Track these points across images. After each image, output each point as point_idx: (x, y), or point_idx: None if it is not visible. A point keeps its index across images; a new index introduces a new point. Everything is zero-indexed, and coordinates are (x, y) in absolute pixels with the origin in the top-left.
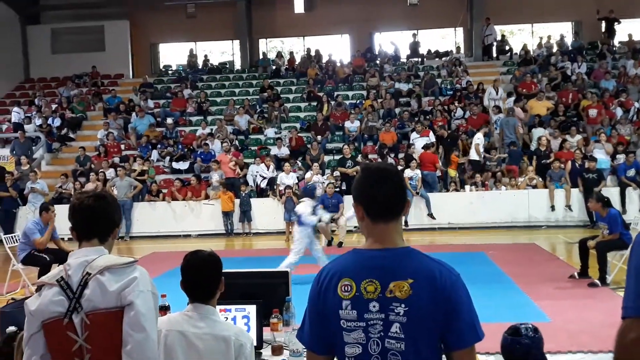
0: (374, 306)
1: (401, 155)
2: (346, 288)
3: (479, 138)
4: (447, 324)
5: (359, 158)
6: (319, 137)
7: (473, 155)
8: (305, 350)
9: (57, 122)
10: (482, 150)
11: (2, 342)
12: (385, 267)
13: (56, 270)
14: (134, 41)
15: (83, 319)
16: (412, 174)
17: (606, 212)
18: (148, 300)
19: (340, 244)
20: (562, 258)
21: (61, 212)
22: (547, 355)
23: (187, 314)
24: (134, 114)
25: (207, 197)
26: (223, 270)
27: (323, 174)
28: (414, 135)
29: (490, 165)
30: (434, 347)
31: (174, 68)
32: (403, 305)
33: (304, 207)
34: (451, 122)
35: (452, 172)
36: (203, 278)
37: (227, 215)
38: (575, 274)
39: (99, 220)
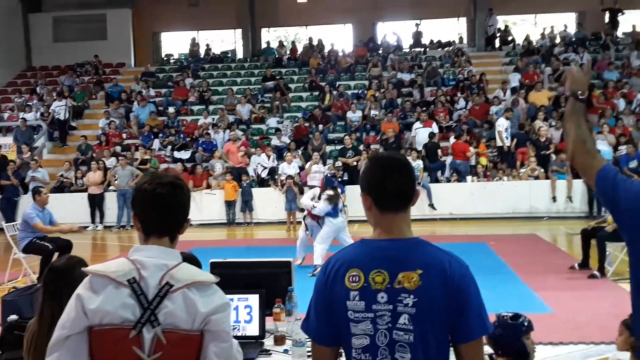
0: (382, 297)
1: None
2: (354, 278)
3: (500, 124)
4: (456, 316)
5: (361, 148)
6: (320, 127)
7: (498, 142)
8: (308, 340)
9: (61, 110)
10: (505, 135)
11: (4, 330)
12: (394, 258)
13: (122, 265)
14: (136, 30)
15: (157, 335)
16: (413, 164)
17: None
18: (231, 328)
19: None
20: (564, 249)
21: (64, 201)
22: (549, 347)
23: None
24: (135, 102)
25: (208, 186)
26: (226, 260)
27: (324, 164)
28: (416, 125)
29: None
30: (443, 338)
31: (175, 57)
32: (412, 296)
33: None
34: (453, 112)
35: (484, 161)
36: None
37: (229, 204)
38: (576, 265)
39: (175, 213)
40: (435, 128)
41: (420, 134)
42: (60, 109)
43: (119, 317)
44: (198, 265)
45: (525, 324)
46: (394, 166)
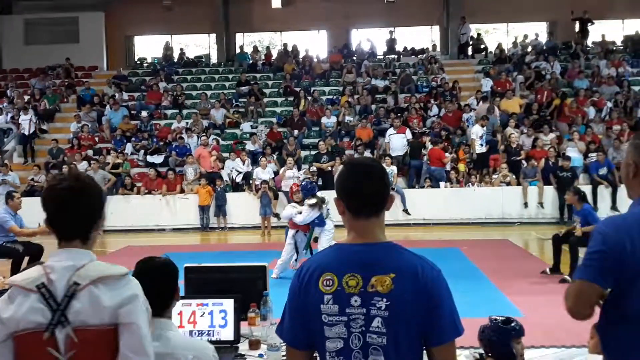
0: (356, 300)
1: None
2: (328, 282)
3: (474, 132)
4: (428, 319)
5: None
6: (295, 132)
7: (473, 149)
8: (282, 344)
9: (26, 124)
10: (478, 142)
11: None
12: (367, 262)
13: (33, 272)
14: (108, 33)
15: (69, 334)
16: (387, 169)
17: (581, 206)
18: (148, 319)
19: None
20: (535, 254)
21: (33, 205)
22: None
23: None
24: (108, 106)
25: (182, 191)
26: (201, 265)
27: (299, 169)
28: (390, 131)
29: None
30: (415, 341)
31: (149, 61)
32: (385, 300)
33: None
34: (426, 119)
35: (462, 167)
36: (156, 288)
37: (203, 209)
38: (547, 269)
39: (78, 216)
40: (408, 134)
41: (394, 140)
42: (25, 122)
43: (31, 321)
44: (174, 270)
45: (516, 328)
46: (365, 172)
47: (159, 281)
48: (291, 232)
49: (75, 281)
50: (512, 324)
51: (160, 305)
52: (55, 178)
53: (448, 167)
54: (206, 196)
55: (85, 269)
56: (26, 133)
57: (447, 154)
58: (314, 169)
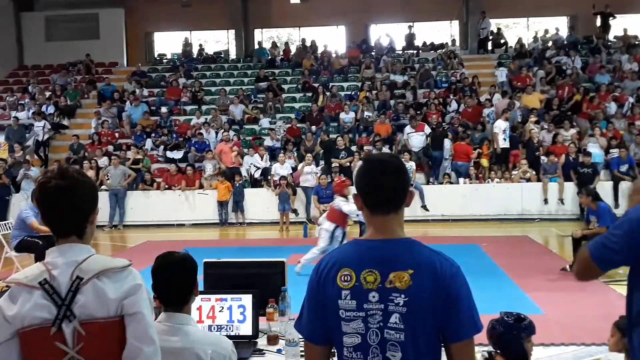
0: (374, 296)
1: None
2: (346, 278)
3: (497, 126)
4: (447, 315)
5: (354, 149)
6: (313, 128)
7: (497, 144)
8: (301, 339)
9: (51, 109)
10: (502, 137)
11: None
12: (385, 258)
13: (34, 269)
14: (128, 29)
15: (76, 328)
16: (406, 165)
17: (596, 205)
18: (151, 309)
19: None
20: (555, 251)
21: None
22: (540, 348)
23: (158, 325)
24: (128, 102)
25: (201, 186)
26: (220, 260)
27: (317, 165)
28: (408, 129)
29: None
30: (433, 338)
31: (168, 57)
32: (403, 296)
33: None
34: (445, 114)
35: (485, 162)
36: (175, 282)
37: (222, 204)
38: (567, 266)
39: (70, 211)
40: (427, 130)
41: (413, 138)
42: (38, 129)
43: (36, 317)
44: (193, 264)
45: (528, 326)
46: (385, 168)
47: (178, 276)
48: (331, 226)
49: (79, 275)
50: (524, 322)
51: (179, 300)
52: (45, 175)
53: (472, 163)
54: (225, 192)
55: (86, 263)
56: (39, 139)
57: (473, 149)
58: (335, 165)
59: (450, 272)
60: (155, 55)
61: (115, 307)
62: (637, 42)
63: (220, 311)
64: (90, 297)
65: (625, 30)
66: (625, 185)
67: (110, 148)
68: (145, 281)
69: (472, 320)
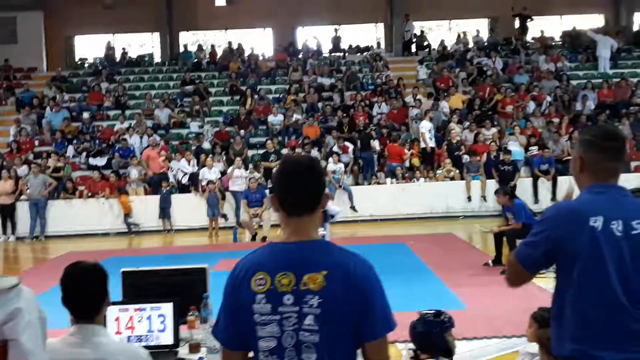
0: (288, 299)
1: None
2: (261, 282)
3: (423, 126)
4: (360, 315)
5: (284, 152)
6: (242, 132)
7: (423, 144)
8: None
9: None
10: (428, 137)
11: None
12: (300, 260)
13: None
14: (48, 33)
15: None
16: (335, 167)
17: (512, 202)
18: (35, 332)
19: (264, 239)
20: (478, 247)
21: None
22: (464, 342)
23: (68, 338)
24: (48, 108)
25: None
26: (139, 269)
27: (246, 169)
28: (335, 148)
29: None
30: (348, 338)
31: (90, 61)
32: (317, 297)
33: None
34: (373, 117)
35: (416, 162)
36: (84, 292)
37: (127, 216)
38: (490, 261)
39: None
40: (351, 154)
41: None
42: None
43: None
44: (102, 273)
45: (447, 321)
46: (299, 170)
47: (87, 285)
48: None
49: None
50: (442, 317)
51: (90, 311)
52: None
53: (407, 163)
54: (127, 204)
55: None
56: None
57: (406, 150)
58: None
59: (363, 272)
60: (77, 60)
61: None
62: (553, 44)
63: (139, 321)
64: None
65: (542, 31)
66: (544, 182)
67: (30, 156)
68: (56, 295)
69: (386, 319)
